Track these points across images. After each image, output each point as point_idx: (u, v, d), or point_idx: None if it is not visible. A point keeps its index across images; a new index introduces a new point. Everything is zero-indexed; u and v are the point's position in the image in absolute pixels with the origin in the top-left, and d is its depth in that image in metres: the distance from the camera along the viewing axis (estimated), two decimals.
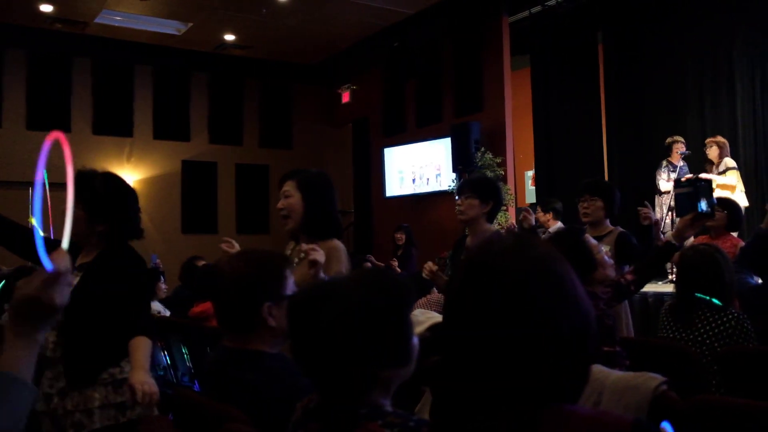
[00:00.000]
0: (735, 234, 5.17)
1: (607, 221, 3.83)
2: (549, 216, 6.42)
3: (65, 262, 1.15)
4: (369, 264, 6.91)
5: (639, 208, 3.77)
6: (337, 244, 2.65)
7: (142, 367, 2.31)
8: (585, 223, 3.89)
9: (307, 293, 1.33)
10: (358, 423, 1.21)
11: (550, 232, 5.96)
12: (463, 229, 3.50)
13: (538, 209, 6.60)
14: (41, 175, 1.14)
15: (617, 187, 4.30)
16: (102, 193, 2.47)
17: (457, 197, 3.37)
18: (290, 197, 2.67)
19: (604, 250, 2.69)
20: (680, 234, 2.93)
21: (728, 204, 5.04)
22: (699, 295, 2.84)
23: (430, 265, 3.39)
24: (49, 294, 1.13)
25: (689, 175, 6.87)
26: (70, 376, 2.39)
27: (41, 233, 1.14)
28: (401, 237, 8.46)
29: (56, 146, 1.14)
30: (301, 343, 1.29)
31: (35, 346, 1.18)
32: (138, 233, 2.60)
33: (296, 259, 2.69)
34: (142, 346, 2.38)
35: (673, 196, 6.77)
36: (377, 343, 1.22)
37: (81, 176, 2.45)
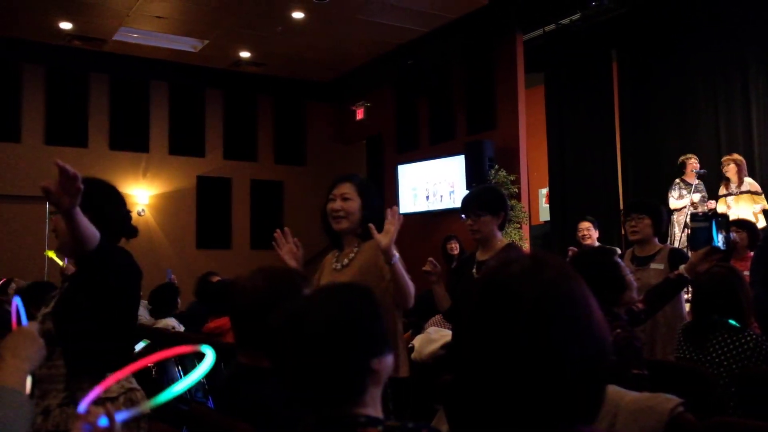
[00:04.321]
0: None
1: (656, 239, 3.79)
2: None
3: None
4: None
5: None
6: None
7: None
8: (633, 242, 3.86)
9: (290, 310, 1.41)
10: (358, 430, 1.29)
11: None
12: (477, 245, 3.40)
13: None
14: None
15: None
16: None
17: (463, 216, 3.25)
18: (350, 200, 2.78)
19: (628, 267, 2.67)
20: (693, 267, 2.91)
21: (746, 225, 5.06)
22: (716, 316, 2.81)
23: (433, 261, 3.25)
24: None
25: (707, 205, 6.88)
26: (71, 391, 2.32)
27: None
28: (455, 247, 7.95)
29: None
30: (295, 354, 1.34)
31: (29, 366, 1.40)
32: (129, 230, 2.52)
33: (345, 261, 2.81)
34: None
35: (688, 216, 6.78)
36: (365, 333, 1.35)
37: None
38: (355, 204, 2.77)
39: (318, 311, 1.37)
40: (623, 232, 8.66)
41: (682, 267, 3.02)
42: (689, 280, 2.92)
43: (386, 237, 2.53)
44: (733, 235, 3.66)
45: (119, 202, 2.56)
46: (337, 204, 2.78)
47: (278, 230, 2.70)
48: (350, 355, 1.32)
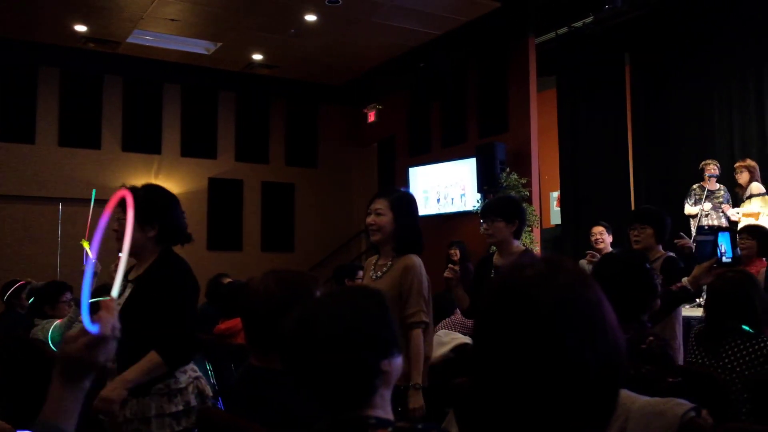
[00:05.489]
0: (765, 259, 5.13)
1: (659, 247, 3.87)
2: None
3: (111, 322, 1.17)
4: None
5: (676, 240, 3.86)
6: (414, 259, 3.03)
7: (122, 379, 2.40)
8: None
9: (301, 312, 1.43)
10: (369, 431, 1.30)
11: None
12: (488, 249, 3.57)
13: None
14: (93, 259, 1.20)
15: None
16: (146, 198, 2.61)
17: (482, 221, 3.50)
18: (383, 215, 3.01)
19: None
20: (697, 281, 2.92)
21: (757, 231, 5.04)
22: (730, 322, 2.79)
23: (453, 268, 3.58)
24: (92, 355, 1.16)
25: (724, 209, 6.83)
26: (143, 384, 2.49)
27: (88, 293, 1.14)
28: (455, 253, 7.86)
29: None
30: (306, 356, 1.36)
31: (81, 393, 1.20)
32: (187, 236, 2.75)
33: (379, 273, 3.04)
34: (143, 361, 2.45)
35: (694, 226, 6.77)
36: (375, 335, 1.37)
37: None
38: (386, 218, 3.00)
39: (328, 313, 1.38)
40: None
41: (685, 279, 3.02)
42: (692, 293, 2.92)
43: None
44: (738, 250, 3.69)
45: (180, 211, 2.77)
46: (371, 218, 3.02)
47: None
48: (361, 356, 1.33)
